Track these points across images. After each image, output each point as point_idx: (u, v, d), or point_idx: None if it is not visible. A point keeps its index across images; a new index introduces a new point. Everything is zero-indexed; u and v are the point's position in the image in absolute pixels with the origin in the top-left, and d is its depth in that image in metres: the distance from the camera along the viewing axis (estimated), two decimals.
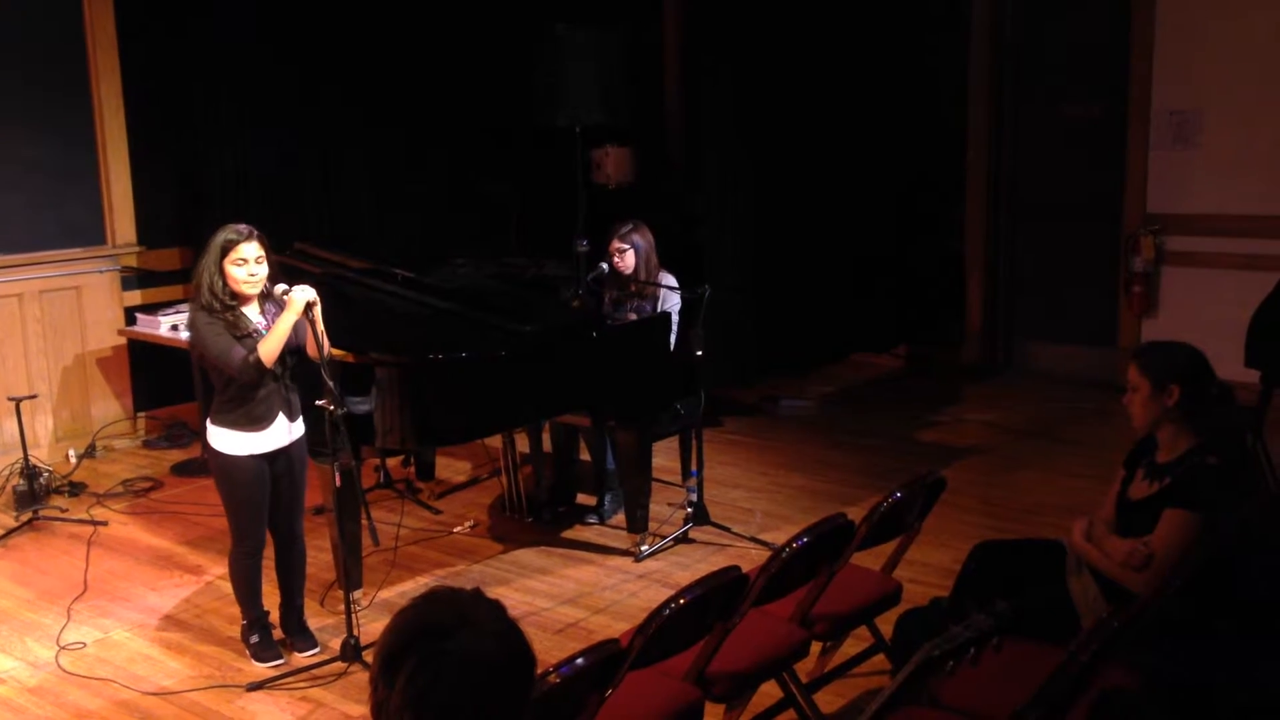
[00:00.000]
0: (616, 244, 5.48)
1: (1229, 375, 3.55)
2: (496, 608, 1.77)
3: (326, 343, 4.01)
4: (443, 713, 1.68)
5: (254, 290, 4.01)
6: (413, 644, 1.70)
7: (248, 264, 3.98)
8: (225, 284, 3.99)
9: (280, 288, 3.99)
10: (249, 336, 3.98)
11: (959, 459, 6.33)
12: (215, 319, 3.97)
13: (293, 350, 4.06)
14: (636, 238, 5.49)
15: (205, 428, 4.17)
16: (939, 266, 8.25)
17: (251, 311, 4.05)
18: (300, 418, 4.18)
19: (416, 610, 1.76)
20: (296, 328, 3.99)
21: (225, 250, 3.97)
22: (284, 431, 4.12)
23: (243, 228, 4.01)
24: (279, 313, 3.99)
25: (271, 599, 4.46)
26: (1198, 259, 7.11)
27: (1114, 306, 7.53)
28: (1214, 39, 6.92)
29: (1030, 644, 3.12)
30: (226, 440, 4.08)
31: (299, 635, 4.39)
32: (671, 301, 5.50)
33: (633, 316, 5.49)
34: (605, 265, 5.50)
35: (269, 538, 4.30)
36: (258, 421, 4.06)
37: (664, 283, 5.49)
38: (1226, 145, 6.96)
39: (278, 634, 4.43)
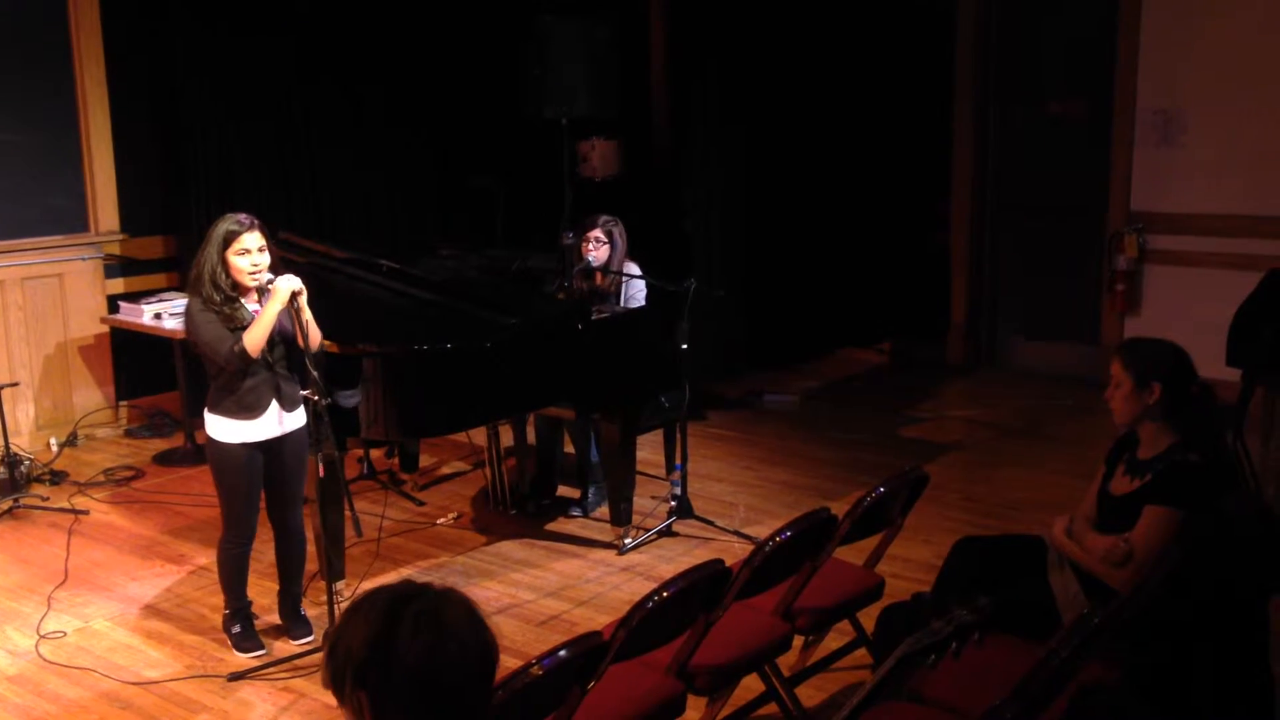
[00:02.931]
0: (597, 233, 5.47)
1: (1211, 374, 3.57)
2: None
3: (312, 333, 4.01)
4: (458, 655, 1.68)
5: (256, 281, 4.00)
6: (396, 611, 1.69)
7: (250, 254, 3.97)
8: (228, 274, 3.98)
9: (265, 276, 3.98)
10: (245, 329, 3.98)
11: (942, 455, 6.35)
12: (209, 308, 3.97)
13: (284, 339, 4.05)
14: (615, 233, 5.49)
15: (204, 415, 4.16)
16: (924, 263, 8.27)
17: (249, 304, 4.04)
18: (299, 408, 4.16)
19: (373, 599, 1.74)
20: (284, 318, 3.99)
21: (228, 241, 3.96)
22: (278, 421, 4.11)
23: (244, 218, 4.00)
24: None
25: (255, 588, 4.45)
26: (1181, 258, 7.14)
27: (1097, 304, 7.56)
28: (1199, 38, 6.94)
29: (1011, 639, 3.13)
30: (219, 428, 4.08)
31: (295, 623, 4.39)
32: (636, 288, 5.51)
33: (605, 312, 5.48)
34: (591, 258, 5.49)
35: (270, 526, 4.30)
36: (249, 410, 4.06)
37: (629, 272, 5.49)
38: (1210, 144, 6.99)
39: (264, 622, 4.42)
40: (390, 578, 4.88)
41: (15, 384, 6.32)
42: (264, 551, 4.54)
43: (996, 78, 7.93)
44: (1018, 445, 6.56)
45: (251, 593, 4.40)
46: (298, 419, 4.18)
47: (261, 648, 4.28)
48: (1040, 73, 7.79)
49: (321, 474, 4.13)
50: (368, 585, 4.75)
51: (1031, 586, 3.46)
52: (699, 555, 4.94)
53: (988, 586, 3.01)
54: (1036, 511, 5.19)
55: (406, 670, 1.66)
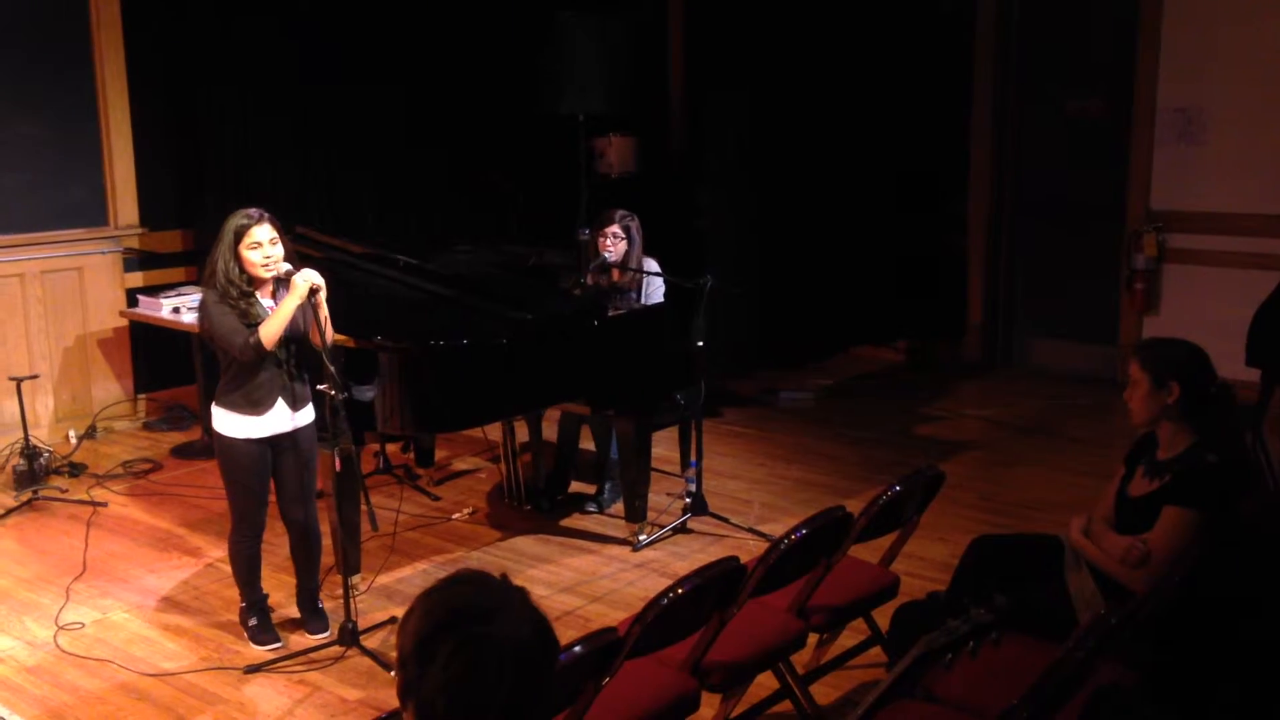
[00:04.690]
0: (614, 229, 5.47)
1: (1229, 374, 3.55)
2: (526, 593, 1.78)
3: (330, 329, 4.01)
4: (479, 697, 1.68)
5: (270, 273, 4.00)
6: (450, 626, 1.69)
7: (262, 247, 3.98)
8: (241, 269, 3.99)
9: (284, 267, 3.99)
10: (259, 324, 3.98)
11: (958, 453, 6.33)
12: (224, 301, 3.98)
13: (295, 337, 4.05)
14: (633, 228, 5.49)
15: (211, 409, 4.17)
16: (941, 261, 8.25)
17: (264, 299, 4.05)
18: (308, 405, 4.17)
19: (450, 592, 1.75)
20: (299, 314, 3.99)
21: (239, 235, 3.97)
22: (284, 418, 4.12)
23: (254, 211, 4.01)
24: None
25: (271, 581, 4.47)
26: (1200, 257, 7.11)
27: (1115, 303, 7.53)
28: (1220, 37, 6.91)
29: (1027, 639, 3.13)
30: (226, 422, 4.09)
31: (312, 617, 4.40)
32: (656, 284, 5.51)
33: (621, 308, 5.48)
34: (608, 255, 5.49)
35: (283, 522, 4.31)
36: (256, 406, 4.07)
37: (649, 268, 5.49)
38: (1231, 144, 6.95)
39: (281, 615, 4.44)
40: (406, 573, 4.90)
41: (35, 376, 6.35)
42: (279, 545, 4.55)
43: (1015, 76, 7.90)
44: (1034, 444, 6.54)
45: (267, 586, 4.42)
46: (306, 415, 4.18)
47: (278, 641, 4.30)
48: (1059, 71, 7.76)
49: (338, 468, 4.14)
50: (384, 580, 4.78)
51: (1048, 586, 3.46)
52: (714, 552, 4.95)
53: (1004, 586, 3.01)
54: (1053, 511, 5.17)
55: (434, 685, 1.68)
